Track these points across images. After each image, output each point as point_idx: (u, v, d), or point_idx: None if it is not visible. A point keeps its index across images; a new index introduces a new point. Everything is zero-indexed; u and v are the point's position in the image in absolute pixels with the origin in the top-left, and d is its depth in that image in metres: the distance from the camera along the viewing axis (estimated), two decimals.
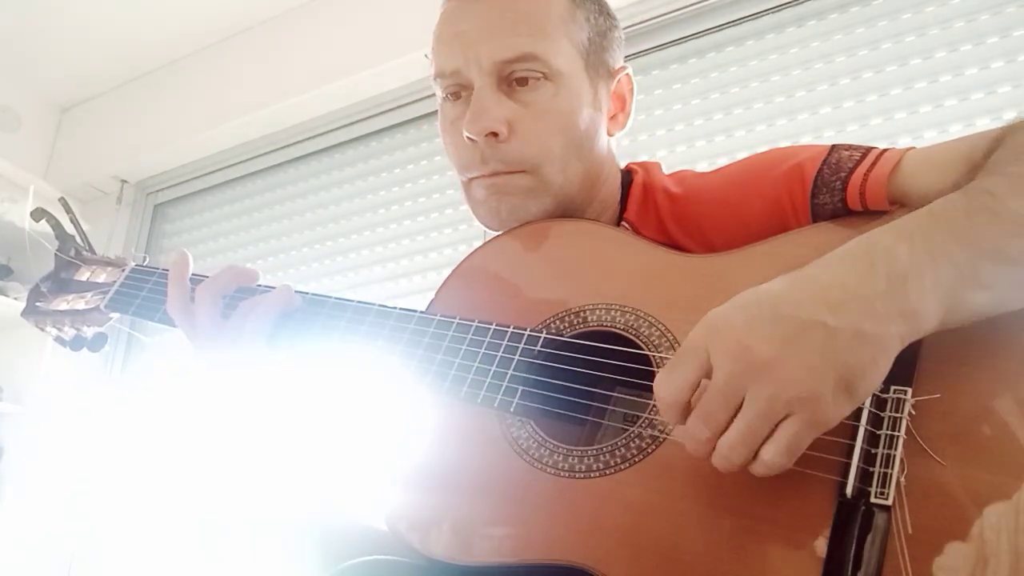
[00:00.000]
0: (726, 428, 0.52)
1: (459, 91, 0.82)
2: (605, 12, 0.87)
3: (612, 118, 0.87)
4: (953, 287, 0.53)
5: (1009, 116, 0.68)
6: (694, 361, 0.54)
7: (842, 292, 0.52)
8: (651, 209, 0.84)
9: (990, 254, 0.53)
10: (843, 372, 0.50)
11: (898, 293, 0.52)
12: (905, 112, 1.50)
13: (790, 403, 0.50)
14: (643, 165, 0.90)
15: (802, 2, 1.65)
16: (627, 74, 0.88)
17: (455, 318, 0.75)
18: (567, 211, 0.82)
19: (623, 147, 1.79)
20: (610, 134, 0.87)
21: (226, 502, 0.77)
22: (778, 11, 1.68)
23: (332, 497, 0.81)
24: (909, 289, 0.52)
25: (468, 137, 0.78)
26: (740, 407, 0.51)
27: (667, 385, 0.54)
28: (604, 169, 0.86)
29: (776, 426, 0.51)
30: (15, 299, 2.38)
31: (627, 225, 0.83)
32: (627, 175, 0.89)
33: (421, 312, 0.78)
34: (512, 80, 0.79)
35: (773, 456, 0.51)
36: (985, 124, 1.36)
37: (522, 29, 0.78)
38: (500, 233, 0.83)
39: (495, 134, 0.78)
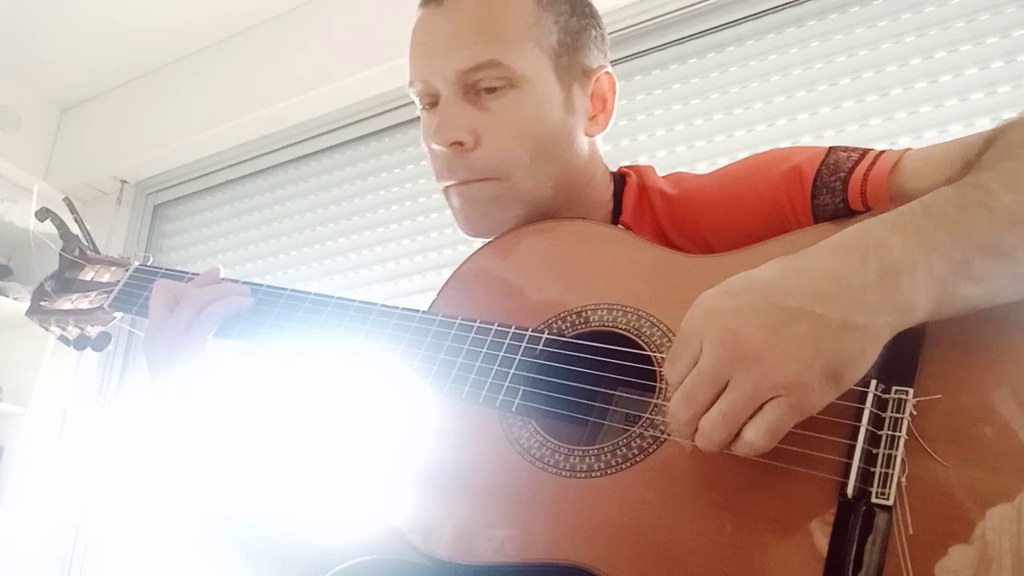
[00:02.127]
0: (706, 411, 0.53)
1: (433, 100, 0.82)
2: (579, 12, 0.85)
3: (592, 119, 0.86)
4: (945, 280, 0.53)
5: (1009, 116, 0.68)
6: (691, 348, 0.55)
7: (833, 283, 0.53)
8: (647, 211, 0.84)
9: (982, 248, 0.54)
10: (831, 361, 0.51)
11: (889, 285, 0.52)
12: (905, 112, 1.50)
13: (776, 387, 0.51)
14: (635, 168, 0.89)
15: (802, 2, 1.66)
16: (606, 73, 0.86)
17: (456, 318, 0.75)
18: (543, 216, 0.82)
19: (622, 148, 1.80)
20: (589, 135, 0.86)
21: (224, 504, 0.77)
22: (778, 11, 1.68)
23: (323, 514, 0.80)
24: (901, 281, 0.52)
25: (436, 148, 0.80)
26: (723, 391, 0.52)
27: (673, 375, 0.56)
28: (585, 171, 0.86)
29: (760, 408, 0.52)
30: (15, 299, 2.37)
31: (622, 228, 0.84)
32: (620, 179, 0.89)
33: (422, 312, 0.78)
34: (479, 88, 0.79)
35: (755, 436, 0.52)
36: (985, 124, 1.36)
37: (482, 38, 0.78)
38: (500, 234, 0.83)
39: (460, 143, 0.79)
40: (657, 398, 0.63)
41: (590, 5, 0.87)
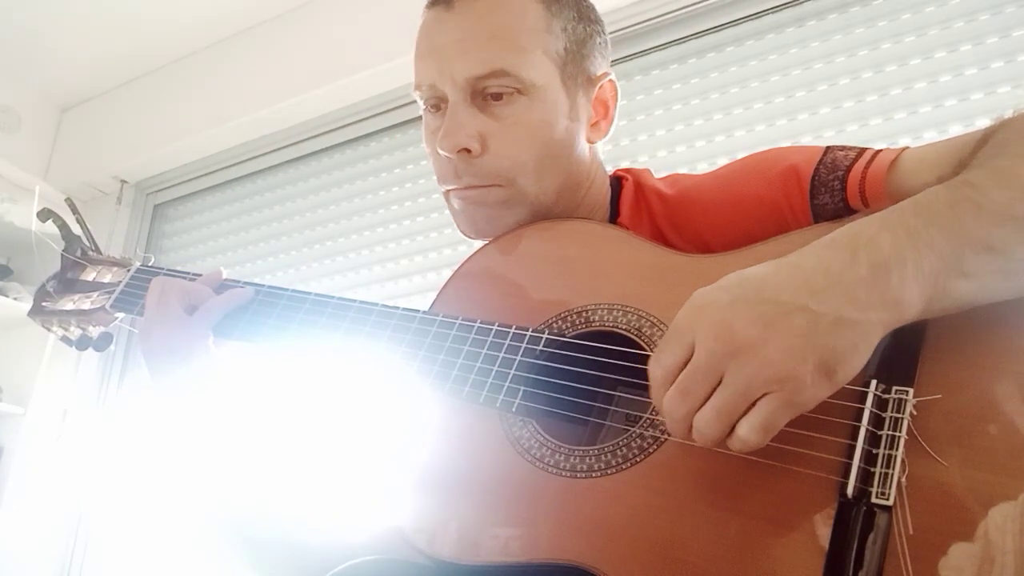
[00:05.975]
0: (701, 406, 0.53)
1: (438, 103, 0.82)
2: (585, 19, 0.85)
3: (594, 125, 0.86)
4: (936, 276, 0.53)
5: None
6: (681, 342, 0.55)
7: (825, 278, 0.53)
8: (644, 212, 0.85)
9: (972, 244, 0.54)
10: (824, 356, 0.51)
11: (880, 281, 0.52)
12: (905, 112, 1.50)
13: (769, 383, 0.51)
14: (631, 171, 0.90)
15: (802, 2, 1.66)
16: (610, 80, 0.87)
17: (457, 319, 0.75)
18: (545, 219, 0.83)
19: (622, 148, 1.80)
20: (591, 141, 0.86)
21: (228, 502, 0.77)
22: (778, 11, 1.68)
23: (325, 514, 0.80)
24: (891, 278, 0.52)
25: (442, 153, 0.80)
26: (718, 386, 0.52)
27: (658, 367, 0.56)
28: (587, 177, 0.86)
29: (753, 404, 0.52)
30: (15, 299, 2.38)
31: (622, 228, 0.83)
32: (616, 182, 0.89)
33: (423, 313, 0.78)
34: (486, 94, 0.79)
35: (748, 432, 0.52)
36: (985, 124, 1.36)
37: (494, 44, 0.78)
38: (501, 234, 0.83)
39: (468, 150, 0.79)
40: None
41: (594, 10, 0.87)
